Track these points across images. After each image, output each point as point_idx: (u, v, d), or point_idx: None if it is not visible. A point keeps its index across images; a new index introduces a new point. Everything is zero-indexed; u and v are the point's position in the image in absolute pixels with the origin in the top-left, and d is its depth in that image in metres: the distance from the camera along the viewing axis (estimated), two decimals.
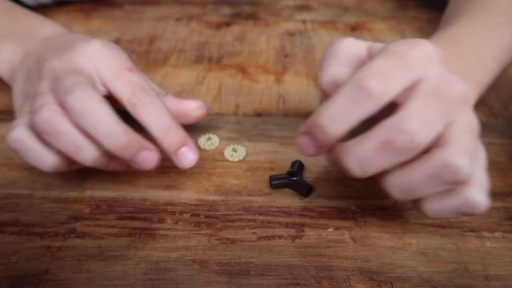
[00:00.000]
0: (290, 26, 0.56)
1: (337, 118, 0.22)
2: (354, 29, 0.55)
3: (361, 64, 0.26)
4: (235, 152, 0.33)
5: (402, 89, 0.22)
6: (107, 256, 0.26)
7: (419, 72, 0.22)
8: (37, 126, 0.25)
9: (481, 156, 0.24)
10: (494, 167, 0.33)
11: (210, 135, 0.35)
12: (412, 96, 0.22)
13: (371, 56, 0.26)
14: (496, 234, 0.28)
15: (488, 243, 0.27)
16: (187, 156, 0.28)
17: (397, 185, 0.23)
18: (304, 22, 0.57)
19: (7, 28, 0.38)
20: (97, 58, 0.28)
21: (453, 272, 0.25)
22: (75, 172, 0.32)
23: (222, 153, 0.34)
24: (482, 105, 0.40)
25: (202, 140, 0.35)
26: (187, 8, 0.61)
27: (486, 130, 0.37)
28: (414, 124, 0.21)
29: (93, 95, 0.26)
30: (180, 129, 0.28)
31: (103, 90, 0.28)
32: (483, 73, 0.35)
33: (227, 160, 0.33)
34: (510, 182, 0.31)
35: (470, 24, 0.37)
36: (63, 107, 0.25)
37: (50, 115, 0.25)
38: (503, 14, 0.38)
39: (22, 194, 0.30)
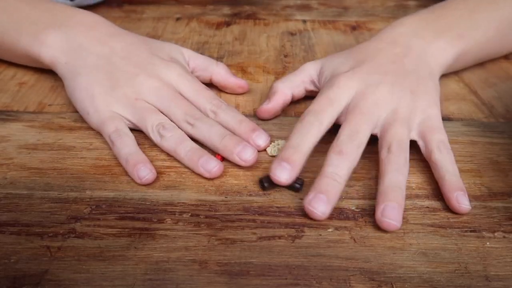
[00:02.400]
0: (290, 26, 0.56)
1: (299, 143, 0.30)
2: (354, 29, 0.55)
3: (311, 82, 0.38)
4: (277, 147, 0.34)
5: (333, 118, 0.32)
6: (107, 256, 0.26)
7: (341, 102, 0.33)
8: (167, 141, 0.33)
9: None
10: (494, 167, 0.33)
11: (279, 141, 0.35)
12: (345, 117, 0.32)
13: (319, 80, 0.38)
14: (496, 234, 0.28)
15: (488, 243, 0.27)
16: (261, 136, 0.34)
17: None
18: (304, 22, 0.57)
19: (44, 19, 0.39)
20: (181, 81, 0.36)
21: (454, 272, 0.25)
22: (74, 172, 0.32)
23: None
24: (482, 105, 0.40)
25: (273, 148, 0.34)
26: (187, 8, 0.61)
27: (486, 130, 0.37)
28: (345, 143, 0.30)
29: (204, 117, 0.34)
30: (251, 122, 0.34)
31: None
32: (471, 28, 0.40)
33: (228, 160, 0.33)
34: (510, 182, 0.31)
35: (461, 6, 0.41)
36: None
37: (174, 131, 0.33)
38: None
39: (21, 194, 0.30)
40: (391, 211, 0.27)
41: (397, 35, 0.38)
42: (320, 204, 0.27)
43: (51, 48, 0.38)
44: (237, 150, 0.31)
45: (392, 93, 0.33)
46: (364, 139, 0.30)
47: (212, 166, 0.30)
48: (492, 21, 0.41)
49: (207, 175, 0.31)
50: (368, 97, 0.32)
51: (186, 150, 0.31)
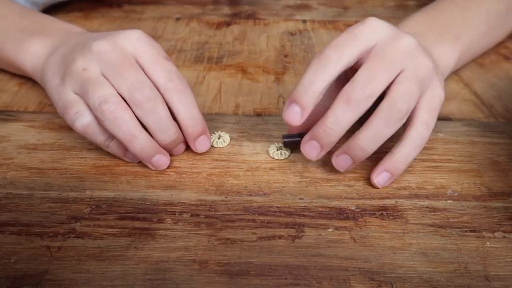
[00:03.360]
0: (290, 26, 0.56)
1: (312, 81, 0.28)
2: None
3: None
4: (280, 151, 0.34)
5: (355, 55, 0.29)
6: (107, 256, 0.26)
7: (366, 41, 0.29)
8: (103, 115, 0.29)
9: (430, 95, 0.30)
10: (494, 167, 0.33)
11: (221, 133, 0.35)
12: (364, 61, 0.29)
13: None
14: (496, 234, 0.28)
15: (488, 243, 0.27)
16: (204, 144, 0.32)
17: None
18: (304, 22, 0.57)
19: (31, 28, 0.39)
20: (139, 44, 0.31)
21: (454, 272, 0.25)
22: (74, 172, 0.32)
23: (224, 153, 0.34)
24: (482, 105, 0.40)
25: (214, 138, 0.35)
26: (187, 8, 0.61)
27: (486, 130, 0.37)
28: (356, 90, 0.27)
29: (157, 95, 0.30)
30: (203, 120, 0.32)
31: None
32: (465, 27, 0.41)
33: (227, 160, 0.33)
34: (510, 182, 0.31)
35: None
36: (123, 96, 0.29)
37: (115, 108, 0.29)
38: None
39: (21, 194, 0.30)
40: (343, 161, 0.30)
41: None
42: (312, 150, 0.29)
43: (33, 58, 0.37)
44: (174, 150, 0.33)
45: (419, 48, 0.30)
46: (378, 89, 0.28)
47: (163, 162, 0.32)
48: (482, 16, 0.42)
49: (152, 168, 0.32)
50: (395, 44, 0.29)
51: (136, 144, 0.30)
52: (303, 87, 0.28)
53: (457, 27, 0.40)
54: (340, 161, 0.30)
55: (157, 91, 0.30)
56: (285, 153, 0.33)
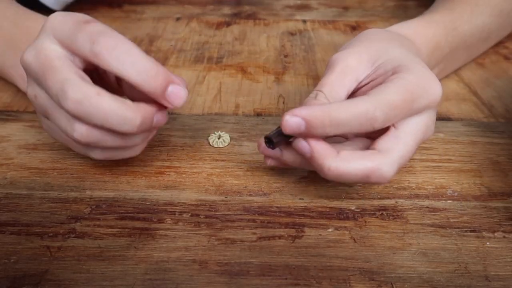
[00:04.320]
0: (290, 26, 0.56)
1: (338, 125, 0.24)
2: (354, 29, 0.55)
3: (358, 85, 0.29)
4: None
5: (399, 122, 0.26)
6: (107, 256, 0.26)
7: (415, 113, 0.26)
8: (87, 143, 0.26)
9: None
10: (494, 167, 0.33)
11: (221, 133, 0.35)
12: (397, 139, 0.26)
13: (381, 75, 0.28)
14: (496, 234, 0.28)
15: (488, 243, 0.27)
16: (178, 94, 0.26)
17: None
18: (304, 22, 0.57)
19: (22, 43, 0.36)
20: (54, 28, 0.25)
21: (454, 272, 0.25)
22: (74, 172, 0.32)
23: (224, 153, 0.34)
24: (482, 105, 0.40)
25: (213, 138, 0.35)
26: (187, 8, 0.61)
27: (486, 130, 0.37)
28: (392, 172, 0.25)
29: (85, 91, 0.24)
30: (160, 66, 0.25)
31: (78, 63, 0.26)
32: (456, 48, 0.40)
33: (227, 160, 0.33)
34: (510, 182, 0.31)
35: (470, 9, 0.40)
36: (68, 112, 0.24)
37: (81, 134, 0.25)
38: (496, 6, 0.42)
39: (22, 194, 0.30)
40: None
41: (418, 54, 0.33)
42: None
43: (23, 80, 0.35)
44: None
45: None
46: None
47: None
48: (479, 46, 0.43)
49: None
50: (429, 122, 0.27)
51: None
52: (334, 119, 0.24)
53: (448, 46, 0.39)
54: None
55: (83, 86, 0.24)
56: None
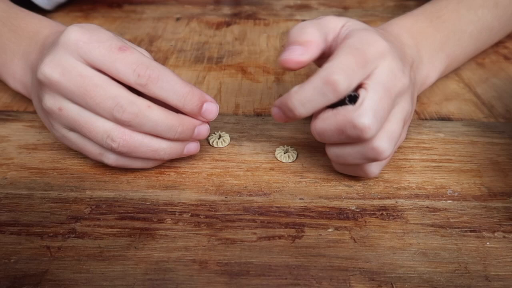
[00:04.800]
0: (290, 26, 0.56)
1: (304, 103, 0.27)
2: None
3: (334, 37, 0.30)
4: (287, 154, 0.34)
5: (360, 80, 0.27)
6: (107, 256, 0.26)
7: (373, 66, 0.27)
8: (119, 150, 0.28)
9: (398, 112, 0.28)
10: (494, 167, 0.33)
11: (221, 133, 0.35)
12: (367, 90, 0.26)
13: (340, 36, 0.30)
14: (496, 234, 0.28)
15: (488, 243, 0.27)
16: (211, 110, 0.30)
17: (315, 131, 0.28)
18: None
19: (13, 44, 0.36)
20: (83, 50, 0.27)
21: (454, 272, 0.25)
22: (74, 172, 0.32)
23: (224, 153, 0.34)
24: (482, 105, 0.40)
25: (214, 138, 0.35)
26: (187, 8, 0.61)
27: (486, 130, 0.37)
28: (366, 120, 0.26)
29: (138, 105, 0.27)
30: (195, 89, 0.29)
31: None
32: (456, 47, 0.40)
33: (227, 160, 0.33)
34: (510, 182, 0.31)
35: (456, 2, 0.40)
36: (120, 122, 0.27)
37: (123, 139, 0.28)
38: None
39: (22, 194, 0.30)
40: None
41: (400, 44, 0.34)
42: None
43: (19, 82, 0.35)
44: (194, 136, 0.30)
45: (409, 89, 0.30)
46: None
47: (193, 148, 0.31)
48: (474, 36, 0.41)
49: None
50: (392, 78, 0.28)
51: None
52: (296, 101, 0.27)
53: (450, 45, 0.39)
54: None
55: (135, 100, 0.27)
56: (292, 155, 0.33)
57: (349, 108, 0.26)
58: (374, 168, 0.29)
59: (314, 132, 0.28)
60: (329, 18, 0.30)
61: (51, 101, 0.28)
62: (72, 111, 0.28)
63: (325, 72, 0.26)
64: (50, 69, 0.27)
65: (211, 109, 0.30)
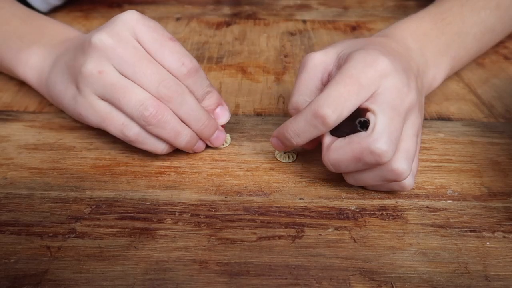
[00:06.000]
0: (290, 26, 0.56)
1: (299, 134, 0.28)
2: (354, 29, 0.55)
3: (329, 76, 0.30)
4: (288, 154, 0.34)
5: (356, 107, 0.27)
6: (107, 256, 0.26)
7: (373, 88, 0.27)
8: (147, 121, 0.29)
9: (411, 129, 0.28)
10: (494, 167, 0.33)
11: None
12: (375, 114, 0.26)
13: (339, 66, 0.29)
14: (496, 234, 0.28)
15: (488, 243, 0.27)
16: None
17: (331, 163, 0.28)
18: (304, 22, 0.57)
19: (31, 36, 0.37)
20: (139, 30, 0.30)
21: (453, 272, 0.25)
22: (74, 172, 0.32)
23: (224, 153, 0.34)
24: (482, 105, 0.40)
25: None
26: (187, 8, 0.61)
27: (486, 130, 0.37)
28: (383, 145, 0.25)
29: (182, 86, 0.30)
30: (212, 119, 0.32)
31: None
32: (461, 49, 0.40)
33: (227, 160, 0.33)
34: (510, 182, 0.31)
35: (459, 4, 0.40)
36: (157, 96, 0.29)
37: (156, 111, 0.29)
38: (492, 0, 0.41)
39: (22, 194, 0.30)
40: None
41: (405, 49, 0.34)
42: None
43: (34, 70, 0.36)
44: (212, 138, 0.33)
45: (418, 104, 0.30)
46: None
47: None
48: (477, 37, 0.41)
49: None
50: (400, 96, 0.27)
51: (182, 140, 0.31)
52: (292, 132, 0.28)
53: (455, 47, 0.39)
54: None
55: (181, 83, 0.30)
56: (293, 155, 0.33)
57: (362, 134, 0.26)
58: (407, 182, 0.29)
59: (328, 164, 0.28)
60: (313, 58, 0.30)
61: (93, 64, 0.29)
62: (112, 75, 0.29)
63: (314, 106, 0.26)
64: (107, 36, 0.29)
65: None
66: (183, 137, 0.31)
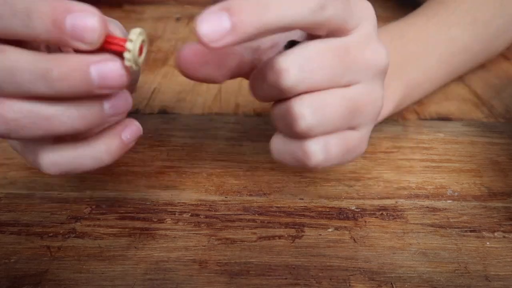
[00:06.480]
0: None
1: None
2: None
3: None
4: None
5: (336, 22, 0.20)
6: (107, 256, 0.26)
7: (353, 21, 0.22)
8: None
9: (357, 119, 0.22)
10: (494, 167, 0.33)
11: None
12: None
13: None
14: (496, 234, 0.28)
15: (488, 243, 0.27)
16: (85, 25, 0.17)
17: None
18: None
19: None
20: None
21: (453, 272, 0.25)
22: None
23: (224, 153, 0.34)
24: (482, 105, 0.40)
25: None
26: (187, 8, 0.60)
27: (486, 130, 0.37)
28: (286, 62, 0.19)
29: None
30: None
31: None
32: (419, 73, 0.33)
33: (227, 160, 0.33)
34: (510, 182, 0.31)
35: (425, 19, 0.34)
36: None
37: None
38: (468, 14, 0.35)
39: (22, 194, 0.30)
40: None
41: None
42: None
43: None
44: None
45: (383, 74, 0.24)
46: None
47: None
48: (444, 59, 0.35)
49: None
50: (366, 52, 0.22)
51: None
52: (254, 1, 0.17)
53: (410, 69, 0.33)
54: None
55: None
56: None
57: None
58: (312, 147, 0.21)
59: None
60: None
61: None
62: None
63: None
64: None
65: (84, 23, 0.17)
66: (64, 118, 0.19)
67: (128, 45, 0.19)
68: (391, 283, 0.24)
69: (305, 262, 0.26)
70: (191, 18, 0.57)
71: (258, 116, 0.38)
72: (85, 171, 0.21)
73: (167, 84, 0.42)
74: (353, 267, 0.25)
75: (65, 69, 0.17)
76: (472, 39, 0.35)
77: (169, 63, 0.46)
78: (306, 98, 0.20)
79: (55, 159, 0.21)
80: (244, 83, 0.43)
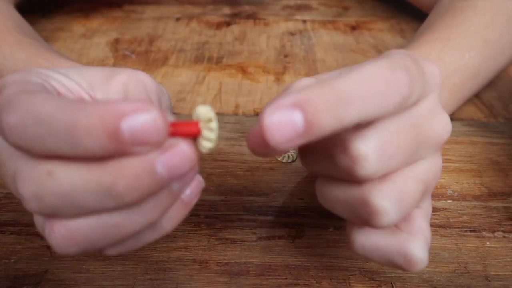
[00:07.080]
0: (290, 26, 0.56)
1: (351, 101, 0.16)
2: (354, 29, 0.55)
3: None
4: (288, 154, 0.32)
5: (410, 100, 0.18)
6: (107, 256, 0.26)
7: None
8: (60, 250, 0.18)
9: (426, 207, 0.21)
10: (494, 167, 0.33)
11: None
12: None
13: None
14: (496, 234, 0.28)
15: (488, 243, 0.27)
16: (144, 126, 0.15)
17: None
18: (304, 22, 0.57)
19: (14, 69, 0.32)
20: None
21: (453, 272, 0.25)
22: None
23: (224, 153, 0.34)
24: (482, 105, 0.40)
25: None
26: (187, 8, 0.61)
27: (486, 130, 0.37)
28: (365, 147, 0.17)
29: (35, 171, 0.16)
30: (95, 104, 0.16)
31: None
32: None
33: (227, 160, 0.33)
34: (510, 182, 0.31)
35: (440, 46, 0.33)
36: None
37: (57, 232, 0.17)
38: (478, 35, 0.34)
39: None
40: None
41: None
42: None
43: None
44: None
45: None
46: None
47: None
48: (456, 89, 0.34)
49: None
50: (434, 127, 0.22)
51: None
52: (333, 96, 0.15)
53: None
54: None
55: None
56: (292, 155, 0.33)
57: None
58: (416, 249, 0.19)
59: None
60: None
61: None
62: None
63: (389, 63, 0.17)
64: None
65: (144, 124, 0.14)
66: (135, 223, 0.17)
67: (213, 124, 0.17)
68: (391, 283, 0.24)
69: (305, 262, 0.26)
70: (191, 18, 0.57)
71: (258, 116, 0.38)
72: (146, 244, 0.19)
73: (167, 84, 0.42)
74: (353, 267, 0.25)
75: (130, 179, 0.15)
76: (482, 62, 0.35)
77: (169, 63, 0.46)
78: (385, 189, 0.18)
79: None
80: (244, 83, 0.43)
